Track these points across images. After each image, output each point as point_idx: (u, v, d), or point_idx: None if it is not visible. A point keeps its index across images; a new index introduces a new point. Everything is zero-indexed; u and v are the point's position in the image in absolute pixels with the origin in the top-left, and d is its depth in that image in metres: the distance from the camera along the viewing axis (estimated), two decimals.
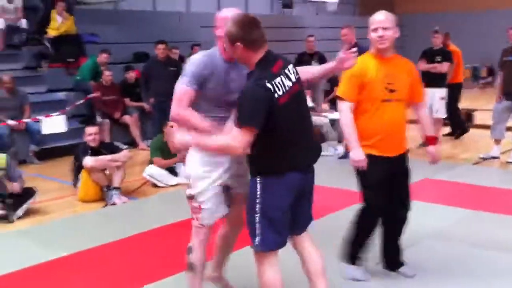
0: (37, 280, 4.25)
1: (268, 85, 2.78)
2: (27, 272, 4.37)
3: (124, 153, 6.43)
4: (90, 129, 6.39)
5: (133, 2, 13.35)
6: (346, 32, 7.89)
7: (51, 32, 10.44)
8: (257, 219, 2.95)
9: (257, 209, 2.94)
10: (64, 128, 8.09)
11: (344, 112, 3.74)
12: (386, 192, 3.85)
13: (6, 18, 10.23)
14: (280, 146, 2.89)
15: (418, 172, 5.37)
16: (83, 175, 6.27)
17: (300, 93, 2.98)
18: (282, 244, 3.03)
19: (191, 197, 3.23)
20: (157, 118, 8.46)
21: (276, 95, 2.79)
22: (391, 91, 3.70)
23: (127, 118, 9.31)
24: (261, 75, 2.83)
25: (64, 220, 5.76)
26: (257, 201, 2.93)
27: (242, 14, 2.93)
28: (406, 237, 4.15)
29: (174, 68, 8.64)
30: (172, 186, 6.89)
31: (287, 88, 2.86)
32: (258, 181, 2.94)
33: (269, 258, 3.01)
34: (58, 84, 10.10)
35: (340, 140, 8.45)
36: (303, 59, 9.36)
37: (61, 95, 9.86)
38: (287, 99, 2.84)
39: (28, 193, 5.88)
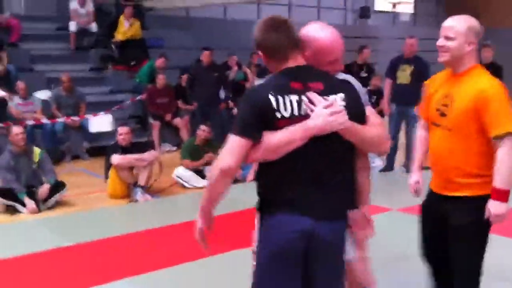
0: (39, 265, 4.61)
1: (271, 97, 2.20)
2: (32, 257, 4.75)
3: (151, 153, 6.72)
4: (121, 129, 6.75)
5: (205, 10, 13.77)
6: (412, 43, 7.79)
7: (118, 36, 11.04)
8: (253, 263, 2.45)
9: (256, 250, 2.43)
10: (110, 127, 8.53)
11: (417, 129, 3.36)
12: (435, 241, 3.19)
13: (78, 21, 10.95)
14: (280, 175, 2.28)
15: None
16: (111, 172, 6.63)
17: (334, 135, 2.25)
18: None
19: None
20: (199, 122, 8.72)
21: (278, 114, 2.20)
22: (442, 114, 2.99)
23: (177, 121, 9.65)
24: (269, 82, 2.30)
25: (83, 213, 6.13)
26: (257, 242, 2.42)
27: (270, 17, 2.35)
28: None
29: (217, 73, 8.88)
30: (199, 188, 7.11)
31: (302, 114, 2.22)
32: (258, 218, 2.43)
33: None
34: (120, 86, 10.67)
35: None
36: (352, 70, 9.29)
37: (122, 96, 10.41)
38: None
39: (58, 186, 6.32)
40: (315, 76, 2.30)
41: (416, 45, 7.84)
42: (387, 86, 7.92)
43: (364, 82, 9.06)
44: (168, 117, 9.59)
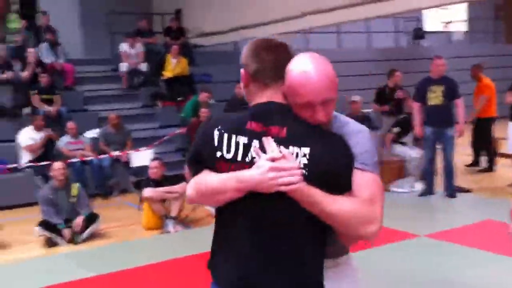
0: None
1: (216, 132, 1.87)
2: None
3: (181, 185, 6.95)
4: (153, 164, 7.06)
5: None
6: (441, 63, 7.72)
7: (166, 73, 11.52)
8: None
9: None
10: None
11: None
12: None
13: (129, 62, 11.54)
14: (221, 234, 1.95)
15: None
16: (145, 205, 6.92)
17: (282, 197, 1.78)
18: None
19: None
20: None
21: (218, 154, 1.86)
22: None
23: None
24: (228, 116, 2.02)
25: (115, 245, 6.42)
26: None
27: (266, 38, 2.00)
28: None
29: None
30: None
31: (246, 161, 1.83)
32: None
33: None
34: (169, 121, 11.08)
35: (422, 177, 8.15)
36: (384, 92, 9.27)
37: (170, 130, 10.81)
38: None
39: (92, 218, 6.67)
40: (283, 120, 1.84)
41: (445, 65, 7.74)
42: (417, 110, 7.81)
43: (398, 106, 9.01)
44: None
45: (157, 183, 6.94)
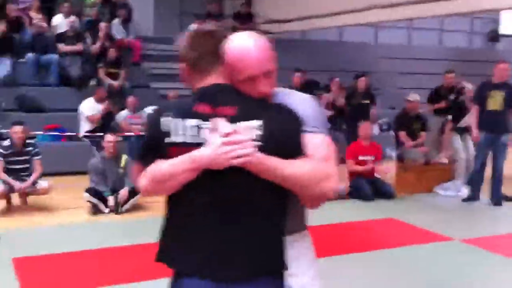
0: (108, 258, 5.19)
1: (163, 119, 1.89)
2: (104, 251, 5.35)
3: None
4: None
5: (321, 32, 14.05)
6: (504, 67, 7.53)
7: None
8: None
9: None
10: None
11: None
12: None
13: None
14: (175, 222, 1.96)
15: None
16: None
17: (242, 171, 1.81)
18: None
19: None
20: None
21: (167, 140, 1.88)
22: None
23: None
24: (175, 103, 2.02)
25: (149, 218, 6.67)
26: None
27: (198, 27, 2.06)
28: None
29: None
30: None
31: (198, 142, 1.84)
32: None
33: None
34: None
35: (469, 182, 7.96)
36: (440, 93, 9.06)
37: None
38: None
39: (136, 191, 6.94)
40: (230, 99, 1.88)
41: (508, 70, 7.49)
42: (474, 113, 7.61)
43: (455, 105, 8.78)
44: None
45: None
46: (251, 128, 1.83)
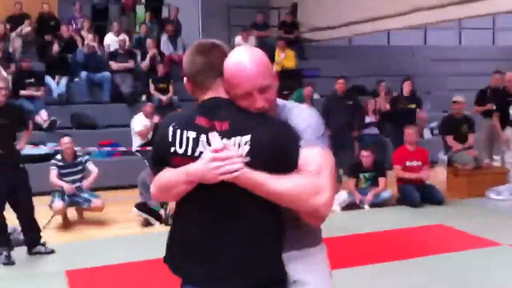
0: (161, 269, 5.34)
1: (170, 129, 1.99)
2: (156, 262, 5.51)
3: None
4: None
5: (368, 38, 13.98)
6: None
7: (276, 67, 11.80)
8: None
9: None
10: None
11: None
12: None
13: None
14: (179, 230, 2.07)
15: None
16: None
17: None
18: None
19: None
20: (333, 149, 8.96)
21: (172, 149, 1.98)
22: None
23: None
24: (180, 114, 2.16)
25: None
26: None
27: (198, 40, 2.11)
28: None
29: (351, 102, 9.08)
30: None
31: (196, 155, 1.93)
32: None
33: None
34: None
35: None
36: (485, 94, 8.87)
37: None
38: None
39: None
40: (226, 114, 1.94)
41: None
42: None
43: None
44: None
45: None
46: (242, 143, 1.87)
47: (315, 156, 1.89)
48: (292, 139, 1.92)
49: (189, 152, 1.94)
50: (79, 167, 7.08)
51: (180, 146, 1.95)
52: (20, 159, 5.82)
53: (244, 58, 1.92)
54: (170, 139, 1.97)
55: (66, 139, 7.04)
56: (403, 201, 7.69)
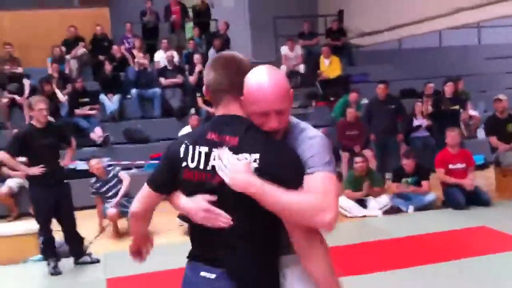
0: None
1: (182, 146, 2.10)
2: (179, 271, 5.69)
3: None
4: None
5: (418, 40, 13.77)
6: None
7: (321, 74, 11.86)
8: None
9: None
10: None
11: None
12: None
13: (288, 64, 12.10)
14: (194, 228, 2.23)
15: None
16: None
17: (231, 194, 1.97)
18: None
19: None
20: (376, 154, 8.93)
21: (184, 164, 2.08)
22: None
23: (366, 152, 9.94)
24: (194, 130, 2.33)
25: None
26: None
27: (219, 53, 2.24)
28: None
29: (393, 106, 9.01)
30: (360, 217, 7.39)
31: (208, 168, 2.04)
32: None
33: None
34: (321, 121, 11.39)
35: None
36: None
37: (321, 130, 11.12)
38: (196, 182, 2.07)
39: None
40: (235, 130, 2.01)
41: None
42: None
43: None
44: (357, 148, 9.96)
45: None
46: (250, 160, 1.95)
47: (320, 180, 1.94)
48: (297, 167, 1.98)
49: (201, 166, 2.04)
50: (115, 180, 7.39)
51: (192, 161, 2.06)
52: (65, 175, 6.15)
53: (266, 79, 2.00)
54: (181, 155, 2.09)
55: (93, 161, 7.36)
56: (448, 204, 7.56)
